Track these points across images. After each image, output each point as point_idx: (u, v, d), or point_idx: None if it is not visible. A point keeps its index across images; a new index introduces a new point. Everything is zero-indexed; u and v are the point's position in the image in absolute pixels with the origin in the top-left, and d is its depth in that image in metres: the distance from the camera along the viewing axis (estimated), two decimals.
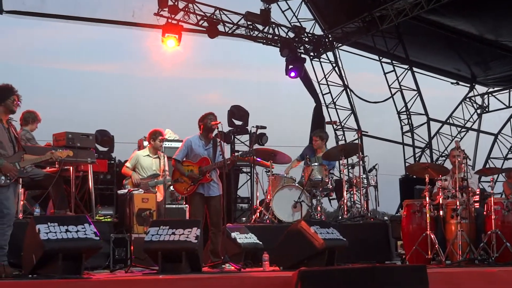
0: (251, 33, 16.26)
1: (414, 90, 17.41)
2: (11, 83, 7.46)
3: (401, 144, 17.92)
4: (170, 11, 14.69)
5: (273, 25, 16.43)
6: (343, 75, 17.93)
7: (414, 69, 17.51)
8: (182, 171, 8.85)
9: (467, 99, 19.32)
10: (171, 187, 9.84)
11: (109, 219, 9.84)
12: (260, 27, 16.16)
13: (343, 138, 18.07)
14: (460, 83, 19.16)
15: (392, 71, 17.27)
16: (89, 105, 34.47)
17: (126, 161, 10.79)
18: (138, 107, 33.07)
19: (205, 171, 8.75)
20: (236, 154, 9.61)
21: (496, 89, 19.29)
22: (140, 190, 9.81)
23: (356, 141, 12.36)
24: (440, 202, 9.32)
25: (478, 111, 19.42)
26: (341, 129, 18.09)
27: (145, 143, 10.90)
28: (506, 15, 14.62)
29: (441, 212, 9.29)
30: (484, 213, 9.32)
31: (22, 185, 8.62)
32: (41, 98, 30.54)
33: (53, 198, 9.15)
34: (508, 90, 18.99)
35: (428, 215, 9.20)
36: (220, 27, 15.64)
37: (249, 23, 15.94)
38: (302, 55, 17.32)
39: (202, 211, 8.71)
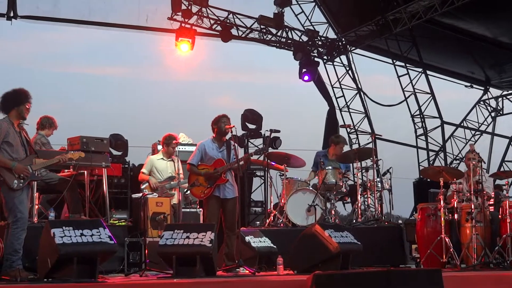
0: (265, 36, 16.27)
1: (428, 93, 17.32)
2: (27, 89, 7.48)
3: (415, 147, 17.81)
4: (184, 15, 14.71)
5: (287, 29, 16.43)
6: (357, 78, 17.89)
7: (428, 72, 17.43)
8: (198, 172, 8.87)
9: (481, 102, 19.21)
10: (187, 191, 9.85)
11: (123, 223, 9.86)
12: (274, 30, 16.16)
13: (357, 142, 18.01)
14: (474, 86, 19.07)
15: (405, 74, 17.19)
16: (102, 109, 34.60)
17: (140, 165, 10.83)
18: (152, 111, 33.08)
19: (220, 172, 8.77)
20: (249, 153, 9.61)
21: (510, 92, 19.17)
22: (155, 194, 9.84)
23: (370, 145, 12.33)
24: (455, 205, 9.28)
25: (492, 114, 19.30)
26: (354, 133, 18.03)
27: (159, 147, 10.94)
28: None
29: (455, 216, 9.26)
30: (499, 216, 9.27)
31: (37, 189, 8.68)
32: (54, 102, 30.66)
33: (67, 202, 9.22)
34: None
35: (442, 219, 9.18)
36: (234, 31, 15.67)
37: (262, 27, 15.94)
38: (316, 59, 17.30)
39: (217, 215, 8.71)
